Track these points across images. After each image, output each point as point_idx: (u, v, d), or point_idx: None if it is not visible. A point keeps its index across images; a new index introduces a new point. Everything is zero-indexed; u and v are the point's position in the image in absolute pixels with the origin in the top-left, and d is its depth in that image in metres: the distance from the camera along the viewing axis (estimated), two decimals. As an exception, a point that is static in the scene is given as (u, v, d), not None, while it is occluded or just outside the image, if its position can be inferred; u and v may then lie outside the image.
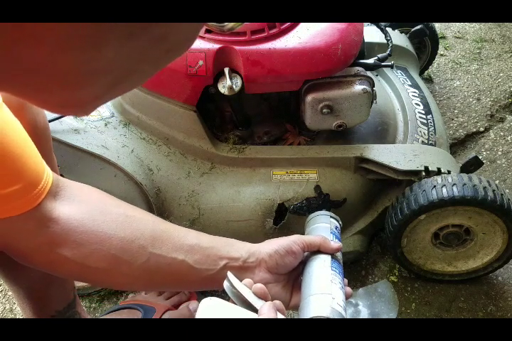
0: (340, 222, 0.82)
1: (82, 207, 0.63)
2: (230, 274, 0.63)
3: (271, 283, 0.68)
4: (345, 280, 0.70)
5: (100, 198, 0.66)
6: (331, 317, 0.60)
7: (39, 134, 0.70)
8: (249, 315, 0.58)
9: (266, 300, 0.61)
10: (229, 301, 0.60)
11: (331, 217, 0.81)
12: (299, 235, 0.71)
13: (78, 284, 1.09)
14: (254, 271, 0.67)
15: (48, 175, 0.61)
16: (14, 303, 1.13)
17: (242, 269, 0.66)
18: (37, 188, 0.58)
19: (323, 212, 0.83)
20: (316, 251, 0.71)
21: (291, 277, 0.71)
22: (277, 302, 0.61)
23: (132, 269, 0.63)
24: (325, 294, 0.63)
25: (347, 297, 0.67)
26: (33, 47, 0.23)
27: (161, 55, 0.29)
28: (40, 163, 0.60)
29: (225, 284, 0.62)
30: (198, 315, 0.56)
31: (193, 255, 0.65)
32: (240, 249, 0.68)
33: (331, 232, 0.77)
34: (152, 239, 0.64)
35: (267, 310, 0.57)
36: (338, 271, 0.69)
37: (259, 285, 0.62)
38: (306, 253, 0.71)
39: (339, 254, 0.73)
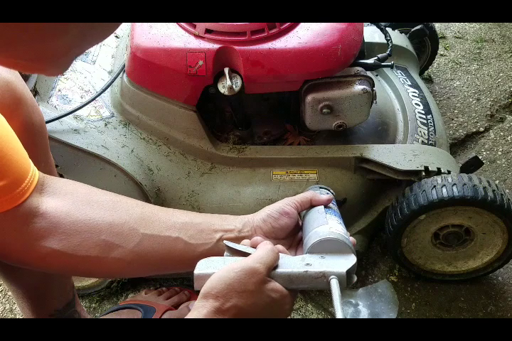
0: (332, 191, 0.81)
1: (67, 198, 0.62)
2: (227, 241, 0.63)
3: None
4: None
5: (85, 189, 0.65)
6: (332, 237, 0.61)
7: (34, 132, 0.70)
8: (240, 258, 0.58)
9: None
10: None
11: (320, 187, 0.81)
12: (289, 197, 0.72)
13: (78, 284, 1.09)
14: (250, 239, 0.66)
15: (34, 173, 0.60)
16: (14, 303, 1.13)
17: (238, 240, 0.66)
18: (21, 185, 0.57)
19: (313, 186, 0.83)
20: (309, 207, 0.72)
21: (294, 242, 0.70)
22: (279, 246, 0.62)
23: (125, 253, 0.62)
24: (323, 225, 0.65)
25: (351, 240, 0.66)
26: None
27: None
28: (27, 161, 0.59)
29: (226, 253, 0.62)
30: (196, 270, 0.58)
31: (187, 231, 0.64)
32: (232, 221, 0.68)
33: None
34: (142, 220, 0.63)
35: (262, 244, 0.58)
36: (333, 213, 0.70)
37: (257, 237, 0.63)
38: (302, 213, 0.72)
39: (332, 205, 0.74)
